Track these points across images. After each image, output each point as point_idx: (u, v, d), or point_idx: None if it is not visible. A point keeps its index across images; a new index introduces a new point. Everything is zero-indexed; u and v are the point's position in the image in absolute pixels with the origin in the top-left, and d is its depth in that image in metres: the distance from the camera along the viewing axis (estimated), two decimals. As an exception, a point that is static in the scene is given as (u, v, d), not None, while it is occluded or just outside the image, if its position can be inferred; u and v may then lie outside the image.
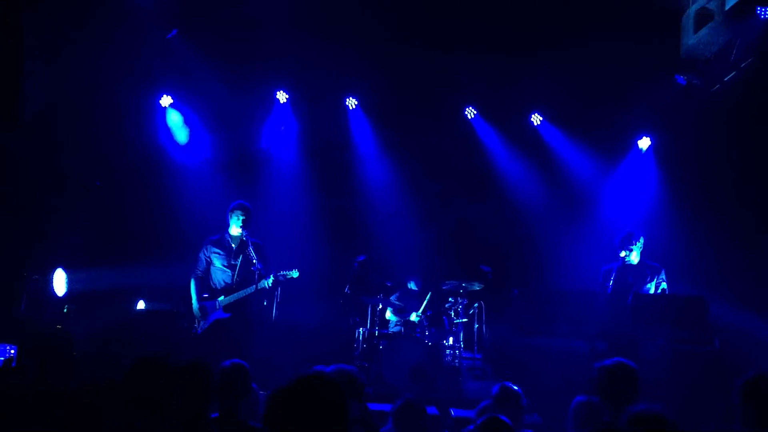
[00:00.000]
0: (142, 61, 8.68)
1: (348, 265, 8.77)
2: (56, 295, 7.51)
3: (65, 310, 7.57)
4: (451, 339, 8.58)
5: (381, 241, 9.77)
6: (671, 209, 9.03)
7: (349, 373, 4.24)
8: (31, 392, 3.43)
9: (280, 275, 6.97)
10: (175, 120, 9.50)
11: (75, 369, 4.35)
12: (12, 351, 6.00)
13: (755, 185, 8.48)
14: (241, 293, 6.92)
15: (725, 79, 8.27)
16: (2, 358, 5.96)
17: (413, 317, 8.82)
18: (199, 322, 6.97)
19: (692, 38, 7.90)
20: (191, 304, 7.00)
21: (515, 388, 4.46)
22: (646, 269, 7.13)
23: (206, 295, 6.99)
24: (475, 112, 10.05)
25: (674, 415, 3.14)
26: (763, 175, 8.44)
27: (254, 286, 6.87)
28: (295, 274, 7.04)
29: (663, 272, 7.12)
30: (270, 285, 6.91)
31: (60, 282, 7.56)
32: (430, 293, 8.91)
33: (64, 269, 7.62)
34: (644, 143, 9.65)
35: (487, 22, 8.53)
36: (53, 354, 3.86)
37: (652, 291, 7.03)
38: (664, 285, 7.09)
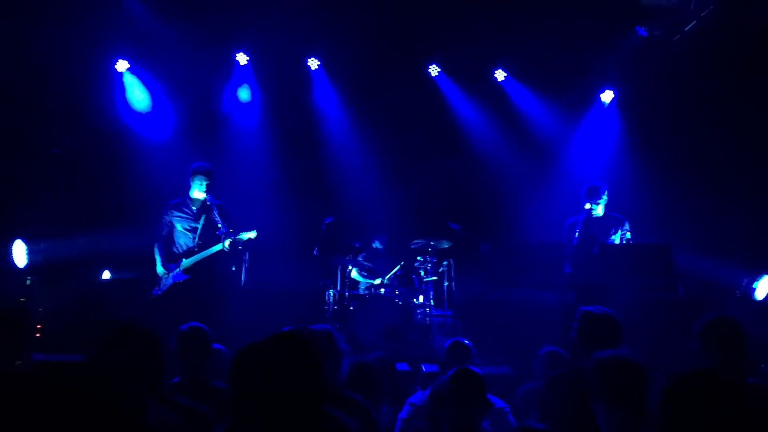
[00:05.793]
0: (97, 23, 8.39)
1: (316, 227, 8.73)
2: (17, 267, 7.34)
3: (28, 283, 7.41)
4: (421, 297, 8.63)
5: (349, 201, 9.72)
6: (635, 161, 9.09)
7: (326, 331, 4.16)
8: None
9: (234, 235, 6.61)
10: (137, 94, 9.25)
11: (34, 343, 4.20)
12: None
13: (717, 134, 8.57)
14: (201, 255, 6.72)
15: (686, 29, 8.29)
16: None
17: (378, 281, 8.88)
18: (159, 285, 6.82)
19: (653, -12, 7.91)
20: (155, 268, 6.87)
21: (466, 342, 4.88)
22: (610, 221, 7.24)
23: (170, 260, 6.85)
24: (439, 70, 9.93)
25: (643, 359, 3.16)
26: (725, 124, 8.53)
27: (214, 246, 6.66)
28: (252, 234, 6.74)
29: (627, 223, 7.24)
30: (228, 247, 6.63)
31: (20, 254, 7.39)
32: (399, 264, 8.93)
33: (24, 240, 7.45)
34: (607, 96, 9.66)
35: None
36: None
37: (617, 242, 7.14)
38: (628, 236, 7.20)
